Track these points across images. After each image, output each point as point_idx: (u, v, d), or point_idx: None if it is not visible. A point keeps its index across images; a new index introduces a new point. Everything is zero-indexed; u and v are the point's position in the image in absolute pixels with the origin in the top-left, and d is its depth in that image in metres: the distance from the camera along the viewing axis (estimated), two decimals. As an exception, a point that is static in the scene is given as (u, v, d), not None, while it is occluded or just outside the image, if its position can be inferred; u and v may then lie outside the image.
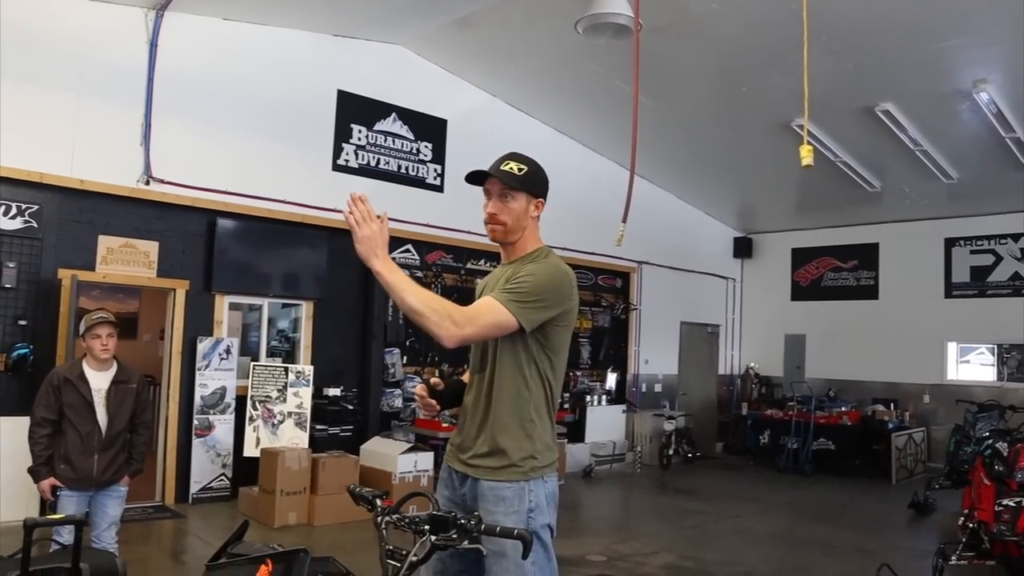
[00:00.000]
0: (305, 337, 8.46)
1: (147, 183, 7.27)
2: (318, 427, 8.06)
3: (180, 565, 5.73)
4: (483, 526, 1.95)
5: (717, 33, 7.56)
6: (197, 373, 7.54)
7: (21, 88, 6.58)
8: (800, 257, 13.61)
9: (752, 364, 13.76)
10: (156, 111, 7.28)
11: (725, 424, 13.49)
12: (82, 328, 4.22)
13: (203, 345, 7.59)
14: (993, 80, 7.75)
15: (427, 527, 1.94)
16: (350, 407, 8.41)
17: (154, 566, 5.56)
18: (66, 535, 3.61)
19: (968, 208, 11.36)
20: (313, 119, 8.45)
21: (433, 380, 2.50)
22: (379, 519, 2.04)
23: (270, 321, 8.43)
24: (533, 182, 2.46)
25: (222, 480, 7.61)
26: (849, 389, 12.36)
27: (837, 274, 13.12)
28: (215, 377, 7.62)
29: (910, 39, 7.25)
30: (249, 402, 7.72)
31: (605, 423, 10.98)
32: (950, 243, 11.89)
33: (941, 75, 7.85)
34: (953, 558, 5.41)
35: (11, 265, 6.58)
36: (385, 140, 9.03)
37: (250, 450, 7.60)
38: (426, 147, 9.41)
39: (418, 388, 2.50)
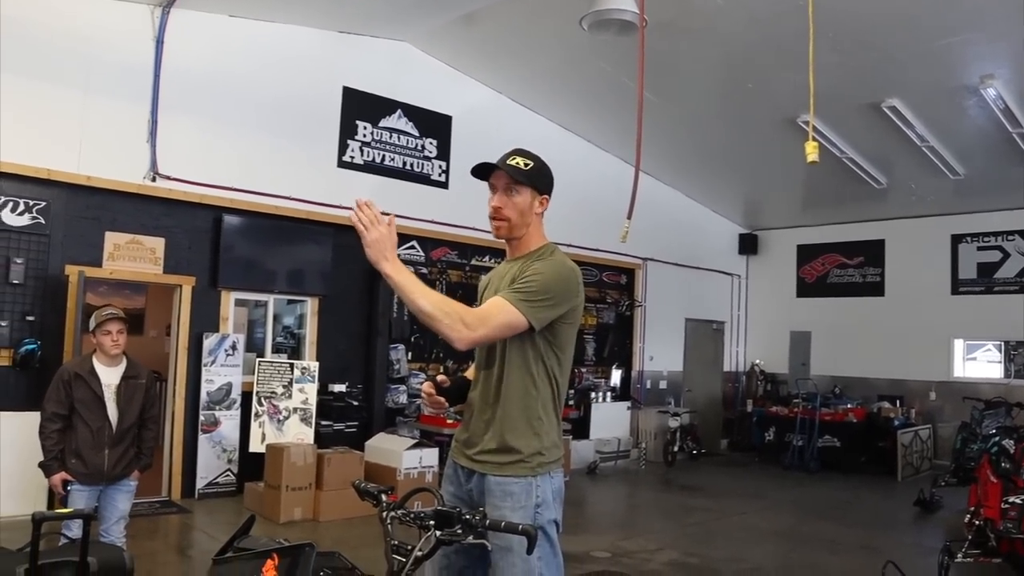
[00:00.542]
0: (310, 333, 8.48)
1: (153, 179, 7.29)
2: (323, 423, 8.08)
3: (186, 559, 5.76)
4: (488, 521, 1.96)
5: (722, 29, 7.54)
6: (203, 369, 7.57)
7: (28, 85, 6.61)
8: (806, 254, 13.58)
9: (757, 361, 13.74)
10: (162, 108, 7.30)
11: (730, 421, 13.47)
12: (92, 324, 4.25)
13: (209, 341, 7.62)
14: (1000, 75, 7.71)
15: (432, 522, 1.95)
16: (355, 403, 8.44)
17: (161, 560, 5.59)
18: (75, 529, 3.64)
19: (975, 204, 11.31)
20: (318, 115, 8.46)
21: (440, 378, 2.51)
22: (384, 514, 2.05)
23: (275, 317, 8.45)
24: (538, 177, 2.46)
25: (228, 475, 7.64)
26: (855, 386, 12.34)
27: (843, 271, 13.08)
28: (221, 373, 7.65)
29: (917, 34, 7.22)
30: (255, 398, 7.75)
31: (610, 420, 10.98)
32: (957, 239, 11.84)
33: (948, 71, 7.81)
34: (959, 555, 5.40)
35: (19, 261, 6.61)
36: (390, 136, 9.04)
37: (256, 446, 7.63)
38: (431, 144, 9.42)
39: (425, 386, 2.49)
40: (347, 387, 8.43)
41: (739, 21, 7.36)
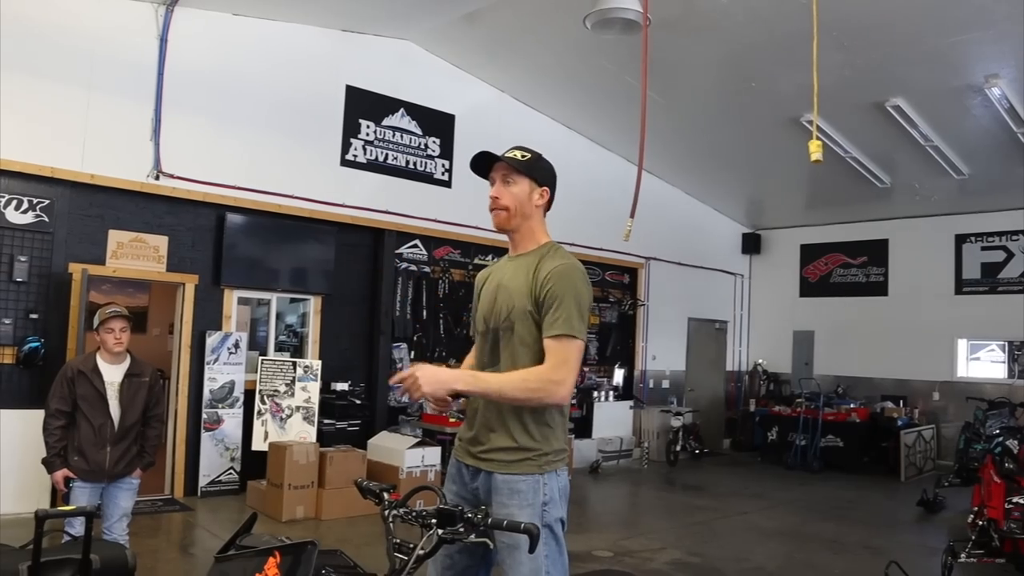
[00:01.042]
0: (313, 332, 8.49)
1: (157, 178, 7.30)
2: (326, 421, 8.09)
3: (188, 557, 5.77)
4: (490, 520, 1.95)
5: (726, 27, 7.52)
6: (206, 367, 7.58)
7: (32, 83, 6.62)
8: (809, 253, 13.55)
9: (760, 360, 13.72)
10: (166, 106, 7.31)
11: (733, 420, 13.46)
12: (96, 322, 4.26)
13: (212, 339, 7.63)
14: (1005, 75, 7.68)
15: (434, 521, 1.95)
16: (357, 402, 8.44)
17: (163, 558, 5.60)
18: (78, 526, 3.65)
19: (979, 204, 11.28)
20: (322, 114, 8.46)
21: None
22: (386, 513, 2.05)
23: (278, 316, 8.46)
24: (536, 168, 2.47)
25: (230, 474, 7.65)
26: (858, 386, 12.32)
27: (846, 270, 13.06)
28: (224, 371, 7.66)
29: (921, 33, 7.20)
30: (257, 396, 7.76)
31: (612, 419, 10.98)
32: (961, 239, 11.81)
33: (952, 70, 7.79)
34: (962, 556, 5.39)
35: (22, 259, 6.63)
36: (393, 135, 9.04)
37: (258, 444, 7.63)
38: (434, 142, 9.41)
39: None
40: (349, 386, 8.44)
41: (743, 20, 7.34)
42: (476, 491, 2.41)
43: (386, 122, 8.98)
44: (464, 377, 2.28)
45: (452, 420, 8.00)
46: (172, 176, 7.38)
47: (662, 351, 12.31)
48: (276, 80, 8.07)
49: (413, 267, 9.27)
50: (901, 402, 11.59)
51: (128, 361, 4.30)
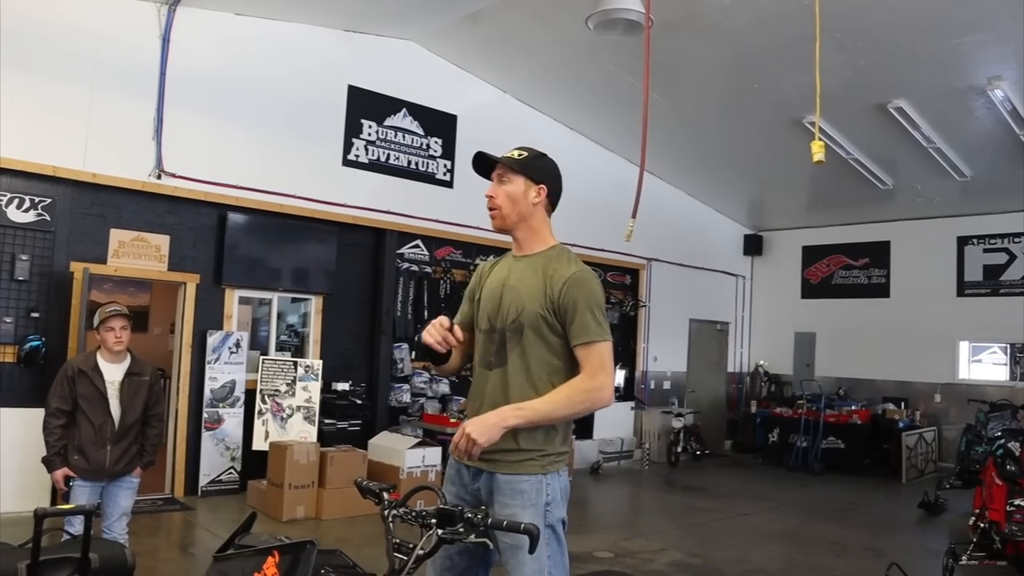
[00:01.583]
0: (314, 332, 8.48)
1: (159, 177, 7.30)
2: (326, 421, 8.09)
3: (188, 557, 5.76)
4: (489, 520, 1.95)
5: (728, 29, 7.52)
6: (207, 366, 7.58)
7: (34, 82, 6.63)
8: (811, 255, 13.54)
9: (762, 362, 13.71)
10: (168, 105, 7.31)
11: (734, 422, 13.44)
12: (96, 321, 4.26)
13: (213, 339, 7.63)
14: (1008, 77, 7.67)
15: (434, 521, 1.94)
16: (358, 402, 8.44)
17: (163, 557, 5.60)
18: (77, 525, 3.64)
19: (981, 206, 11.26)
20: (323, 114, 8.46)
21: (457, 331, 2.42)
22: (386, 512, 2.05)
23: (279, 315, 8.46)
24: (531, 166, 2.46)
25: (231, 473, 7.65)
26: (859, 388, 12.30)
27: (848, 272, 13.04)
28: (225, 371, 7.66)
29: (924, 35, 7.19)
30: (258, 396, 7.76)
31: (613, 420, 10.97)
32: (963, 241, 11.79)
33: (955, 72, 7.78)
34: (964, 558, 5.38)
35: (24, 258, 6.63)
36: (395, 135, 9.03)
37: (259, 444, 7.63)
38: (436, 143, 9.41)
39: (442, 320, 2.41)
40: (350, 385, 8.43)
41: (745, 21, 7.33)
42: (477, 492, 2.40)
43: (388, 122, 8.98)
44: (512, 413, 2.26)
45: (452, 420, 8.00)
46: (174, 175, 7.38)
47: (663, 352, 12.30)
48: (278, 80, 8.07)
49: (414, 267, 9.26)
50: (903, 404, 11.58)
51: (128, 360, 4.30)
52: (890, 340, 12.11)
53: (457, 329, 2.43)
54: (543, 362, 2.37)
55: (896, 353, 12.02)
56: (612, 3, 6.30)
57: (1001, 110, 8.19)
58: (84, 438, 4.11)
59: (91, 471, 4.12)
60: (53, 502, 6.01)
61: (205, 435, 7.54)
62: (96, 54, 6.93)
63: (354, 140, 8.69)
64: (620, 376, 11.63)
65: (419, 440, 7.72)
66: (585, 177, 10.22)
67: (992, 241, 11.54)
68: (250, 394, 7.78)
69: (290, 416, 7.82)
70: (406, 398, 9.01)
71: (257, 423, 7.72)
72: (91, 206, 7.04)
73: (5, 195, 6.60)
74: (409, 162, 9.16)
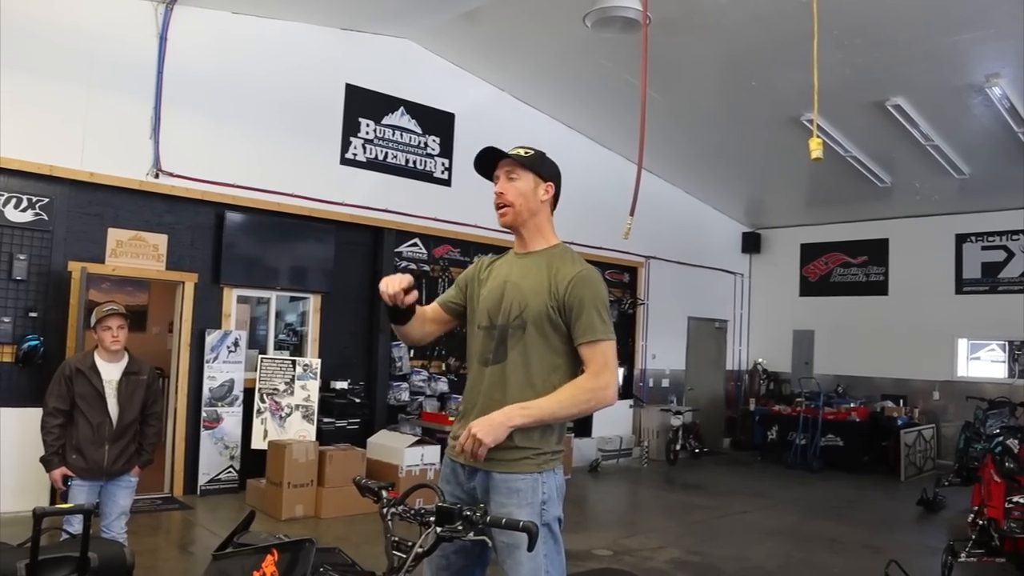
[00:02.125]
0: (312, 330, 8.48)
1: (156, 176, 7.29)
2: (325, 420, 8.09)
3: (187, 556, 5.76)
4: (488, 518, 1.95)
5: (726, 26, 7.51)
6: (205, 365, 7.57)
7: (31, 81, 6.61)
8: (809, 252, 13.55)
9: (760, 360, 13.72)
10: (165, 104, 7.30)
11: (732, 420, 13.46)
12: (93, 320, 4.25)
13: (211, 338, 7.62)
14: (1006, 74, 7.67)
15: (433, 519, 1.94)
16: (357, 400, 8.43)
17: (162, 556, 5.60)
18: (76, 524, 3.63)
19: (979, 204, 11.27)
20: (321, 113, 8.46)
21: (409, 297, 2.38)
22: (385, 510, 2.04)
23: (278, 314, 8.45)
24: (539, 164, 2.47)
25: (230, 472, 7.64)
26: (858, 385, 12.31)
27: (846, 270, 13.05)
28: (223, 370, 7.65)
29: (922, 32, 7.19)
30: (257, 395, 7.75)
31: (612, 418, 10.97)
32: (961, 239, 11.80)
33: (953, 69, 7.78)
34: (962, 555, 5.39)
35: (22, 257, 6.62)
36: (393, 134, 9.03)
37: (258, 442, 7.63)
38: (434, 141, 9.40)
39: (406, 279, 2.37)
40: (349, 384, 8.43)
41: (743, 19, 7.33)
42: (473, 491, 2.39)
43: (386, 120, 8.97)
44: (518, 412, 2.27)
45: (451, 419, 7.99)
46: (171, 174, 7.37)
47: (662, 350, 12.31)
48: (276, 78, 8.06)
49: (413, 266, 9.26)
50: (901, 401, 11.58)
51: (126, 359, 4.30)
52: (888, 338, 12.12)
53: (411, 296, 2.37)
54: (544, 360, 2.36)
55: (894, 351, 12.03)
56: (609, 1, 6.30)
57: (999, 108, 8.19)
58: (82, 437, 4.11)
59: (89, 470, 4.12)
60: (52, 501, 6.00)
61: (204, 434, 7.53)
62: (93, 53, 6.91)
63: (352, 139, 8.68)
64: (619, 374, 11.60)
65: (418, 438, 7.73)
66: (583, 175, 10.21)
67: (990, 239, 11.55)
68: (249, 393, 7.78)
69: (289, 415, 7.82)
70: (405, 396, 9.01)
71: (256, 422, 7.72)
72: (89, 205, 7.03)
73: (2, 195, 6.58)
74: (407, 161, 9.15)
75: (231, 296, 7.91)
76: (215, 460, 7.58)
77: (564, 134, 10.60)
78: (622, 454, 10.95)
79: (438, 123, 9.44)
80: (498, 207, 2.48)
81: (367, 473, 7.13)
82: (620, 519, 8.10)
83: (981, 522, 5.58)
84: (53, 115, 6.75)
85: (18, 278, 6.61)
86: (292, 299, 8.60)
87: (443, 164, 9.49)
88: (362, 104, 8.75)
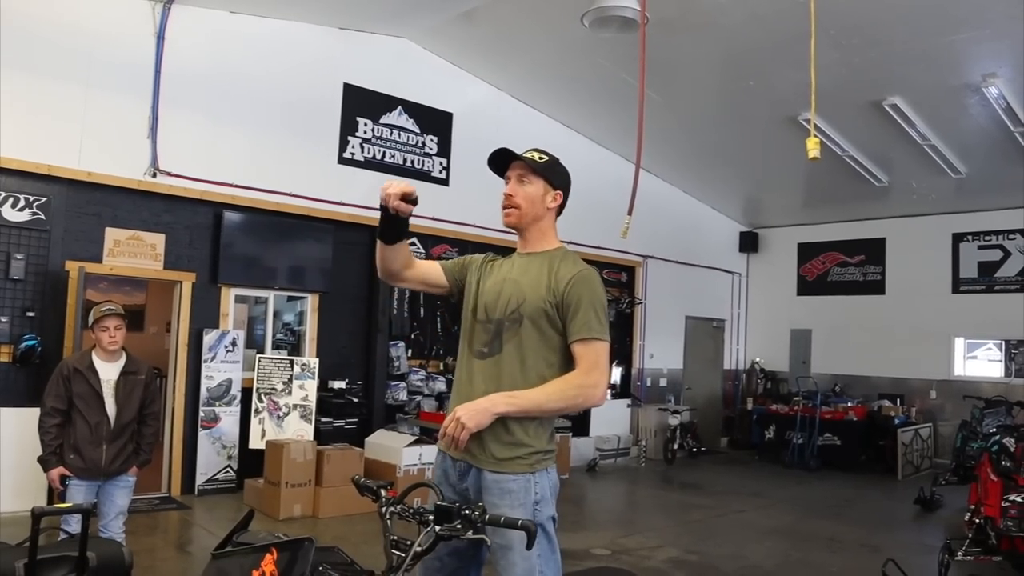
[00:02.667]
0: (310, 330, 8.47)
1: (154, 176, 7.29)
2: (323, 420, 8.08)
3: (186, 555, 5.76)
4: (487, 516, 1.95)
5: (723, 26, 7.52)
6: (203, 365, 7.57)
7: (29, 80, 6.60)
8: (806, 252, 13.57)
9: (757, 359, 13.74)
10: (163, 104, 7.29)
11: (730, 419, 13.47)
12: (90, 320, 4.25)
13: (209, 337, 7.62)
14: (1002, 74, 7.69)
15: (431, 517, 1.94)
16: (355, 400, 8.43)
17: (160, 556, 5.59)
18: (74, 524, 3.64)
19: (976, 203, 11.29)
20: (319, 112, 8.45)
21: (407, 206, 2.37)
22: (383, 509, 2.05)
23: (276, 314, 8.45)
24: (552, 172, 2.49)
25: (228, 472, 7.64)
26: (855, 384, 12.33)
27: (844, 269, 13.07)
28: (221, 369, 7.65)
29: (919, 32, 7.20)
30: (255, 394, 7.75)
31: (610, 417, 10.99)
32: (958, 238, 11.83)
33: (950, 69, 7.80)
34: (959, 554, 5.40)
35: (19, 257, 6.61)
36: (391, 133, 9.02)
37: (255, 442, 7.63)
38: (432, 140, 9.40)
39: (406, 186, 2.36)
40: (347, 384, 8.43)
41: (740, 18, 7.34)
42: (465, 491, 2.39)
43: (384, 120, 8.97)
44: (503, 400, 2.27)
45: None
46: (169, 174, 7.36)
47: (660, 349, 12.32)
48: (274, 78, 8.05)
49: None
50: (898, 400, 11.60)
51: (124, 359, 4.30)
52: (886, 337, 12.14)
53: (409, 207, 2.38)
54: (538, 356, 2.37)
55: (892, 350, 12.05)
56: (607, 0, 6.30)
57: (996, 107, 8.21)
58: (80, 437, 4.11)
59: (87, 470, 4.12)
60: (50, 501, 5.99)
61: (201, 434, 7.53)
62: (91, 52, 6.90)
63: (350, 138, 8.68)
64: (616, 373, 11.64)
65: (416, 438, 7.73)
66: (581, 174, 10.06)
67: (987, 238, 11.57)
68: (246, 393, 7.77)
69: (287, 414, 7.82)
70: (403, 396, 9.01)
71: (254, 421, 7.72)
72: (86, 205, 7.02)
73: (0, 194, 6.57)
74: (405, 160, 9.15)
75: (229, 296, 7.91)
76: (213, 460, 7.58)
77: (562, 133, 10.60)
78: (620, 453, 10.96)
79: (436, 122, 9.44)
80: (504, 207, 2.50)
81: (365, 472, 7.13)
82: (618, 518, 8.10)
83: (978, 521, 5.60)
84: (51, 114, 6.74)
85: (15, 278, 6.60)
86: (290, 299, 8.60)
87: (441, 163, 9.49)
88: (360, 103, 8.75)
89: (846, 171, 10.46)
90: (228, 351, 7.69)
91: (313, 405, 7.93)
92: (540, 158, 2.47)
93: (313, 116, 8.40)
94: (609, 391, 11.11)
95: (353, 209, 8.58)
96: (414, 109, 9.21)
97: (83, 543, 2.65)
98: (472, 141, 9.47)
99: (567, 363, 2.39)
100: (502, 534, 2.15)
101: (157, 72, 7.25)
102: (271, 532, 2.33)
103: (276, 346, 8.41)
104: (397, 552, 1.94)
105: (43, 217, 6.78)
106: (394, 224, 2.43)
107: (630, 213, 4.54)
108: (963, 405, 10.41)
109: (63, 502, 4.04)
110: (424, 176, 9.33)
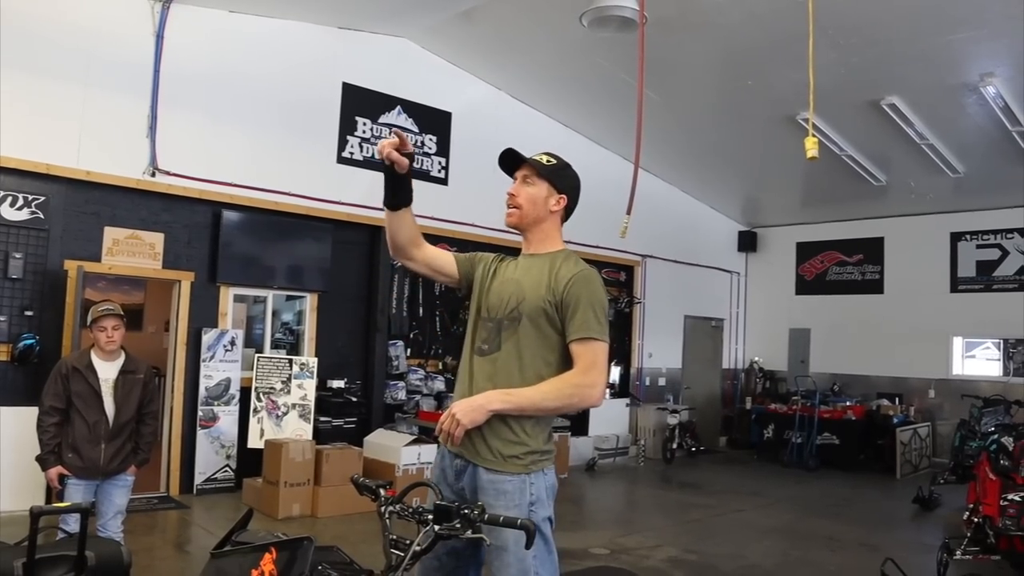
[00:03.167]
0: (309, 329, 8.47)
1: (153, 175, 7.28)
2: (322, 419, 8.08)
3: (184, 555, 5.76)
4: (486, 516, 1.95)
5: (722, 26, 7.52)
6: (202, 364, 7.57)
7: (28, 79, 6.59)
8: (805, 251, 13.58)
9: (756, 358, 13.75)
10: (162, 103, 7.28)
11: (729, 418, 13.48)
12: (89, 319, 4.25)
13: (208, 337, 7.61)
14: (1000, 74, 7.70)
15: (430, 517, 1.94)
16: (354, 399, 8.43)
17: (159, 555, 5.59)
18: (72, 523, 3.63)
19: (974, 202, 11.30)
20: (318, 111, 8.45)
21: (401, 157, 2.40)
22: (382, 509, 2.05)
23: (274, 313, 8.45)
24: (557, 175, 2.51)
25: (226, 471, 7.64)
26: (854, 384, 12.34)
27: (842, 268, 13.08)
28: (220, 369, 7.64)
29: (917, 32, 7.21)
30: (253, 394, 7.75)
31: (609, 417, 10.98)
32: (956, 237, 11.84)
33: (948, 68, 7.80)
34: (958, 553, 5.41)
35: (18, 256, 6.61)
36: (390, 133, 9.01)
37: (254, 442, 7.63)
38: (431, 140, 9.40)
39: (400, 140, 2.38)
40: (346, 383, 8.43)
41: (738, 18, 7.34)
42: (462, 491, 2.39)
43: (383, 119, 8.97)
44: (499, 397, 2.27)
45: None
46: (168, 173, 7.35)
47: (658, 349, 12.32)
48: (273, 77, 8.05)
49: (410, 265, 9.24)
50: (897, 400, 11.61)
51: (123, 358, 4.29)
52: (884, 336, 12.15)
53: (405, 160, 2.43)
54: (537, 355, 2.37)
55: (890, 349, 12.06)
56: (606, 0, 6.30)
57: (993, 107, 8.22)
58: (78, 436, 4.11)
59: (85, 469, 4.12)
60: (48, 500, 5.98)
61: (200, 433, 7.53)
62: (90, 51, 6.90)
63: (349, 137, 8.67)
64: (615, 373, 11.64)
65: (415, 437, 7.73)
66: (580, 173, 10.18)
67: (985, 237, 11.58)
68: (245, 392, 7.77)
69: (285, 414, 7.82)
70: (401, 395, 9.02)
71: (252, 421, 7.71)
72: (85, 204, 7.02)
73: (-2, 193, 6.58)
74: (404, 159, 9.13)
75: (228, 295, 7.90)
76: (211, 459, 7.57)
77: (561, 133, 10.60)
78: (619, 453, 10.96)
79: (435, 122, 9.44)
80: (507, 206, 2.52)
81: (364, 472, 7.12)
82: (617, 518, 8.11)
83: (976, 520, 5.60)
84: (50, 113, 6.73)
85: (14, 277, 6.59)
86: (289, 298, 8.60)
87: (440, 163, 9.49)
88: (359, 103, 8.75)
89: (844, 170, 10.47)
90: (227, 350, 7.68)
91: (312, 404, 7.93)
92: (548, 161, 2.50)
93: (312, 115, 8.40)
94: (608, 390, 11.15)
95: (352, 208, 8.58)
96: (413, 109, 9.21)
97: (82, 542, 2.64)
98: (471, 141, 9.47)
99: (566, 363, 2.38)
100: (497, 535, 2.15)
101: (156, 71, 7.25)
102: (270, 531, 2.33)
103: (275, 345, 8.41)
104: (396, 551, 1.94)
105: (42, 216, 6.77)
106: (395, 183, 2.47)
107: (629, 212, 4.54)
108: (961, 404, 10.42)
109: (62, 501, 4.04)
110: (423, 176, 9.32)
